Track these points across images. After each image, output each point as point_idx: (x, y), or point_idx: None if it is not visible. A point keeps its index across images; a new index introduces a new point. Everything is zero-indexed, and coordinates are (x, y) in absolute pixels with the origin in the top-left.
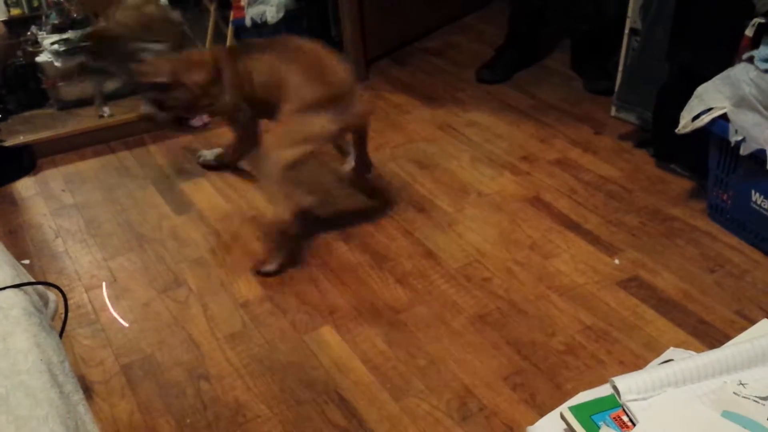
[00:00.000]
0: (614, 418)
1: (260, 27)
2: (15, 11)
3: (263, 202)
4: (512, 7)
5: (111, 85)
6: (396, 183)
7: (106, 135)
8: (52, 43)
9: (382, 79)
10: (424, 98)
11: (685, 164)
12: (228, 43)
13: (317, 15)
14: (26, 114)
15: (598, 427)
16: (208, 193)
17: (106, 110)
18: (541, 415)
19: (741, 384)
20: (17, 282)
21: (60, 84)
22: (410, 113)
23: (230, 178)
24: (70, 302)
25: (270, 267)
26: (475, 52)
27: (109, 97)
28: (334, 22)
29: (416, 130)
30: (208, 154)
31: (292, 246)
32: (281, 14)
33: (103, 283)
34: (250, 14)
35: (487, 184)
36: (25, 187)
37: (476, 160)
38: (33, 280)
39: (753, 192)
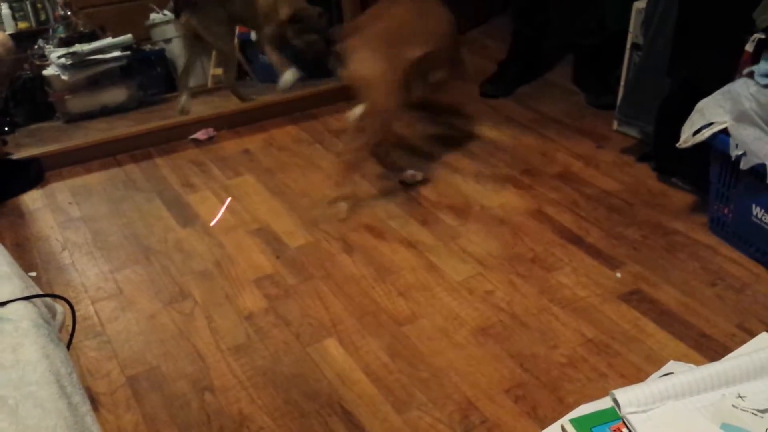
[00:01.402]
0: (614, 430)
1: None
2: (22, 24)
3: (268, 215)
4: (515, 22)
5: (117, 98)
6: (399, 196)
7: (112, 148)
8: (59, 57)
9: None
10: (428, 112)
11: (687, 178)
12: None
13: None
14: (33, 127)
15: None
16: (213, 206)
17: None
18: (543, 427)
19: (740, 397)
20: (26, 294)
21: (67, 97)
22: (414, 127)
23: (235, 191)
24: (76, 314)
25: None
26: (478, 67)
27: (115, 111)
28: None
29: (420, 145)
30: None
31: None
32: None
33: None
34: None
35: (489, 198)
36: (32, 199)
37: (479, 173)
38: (41, 292)
39: (754, 206)
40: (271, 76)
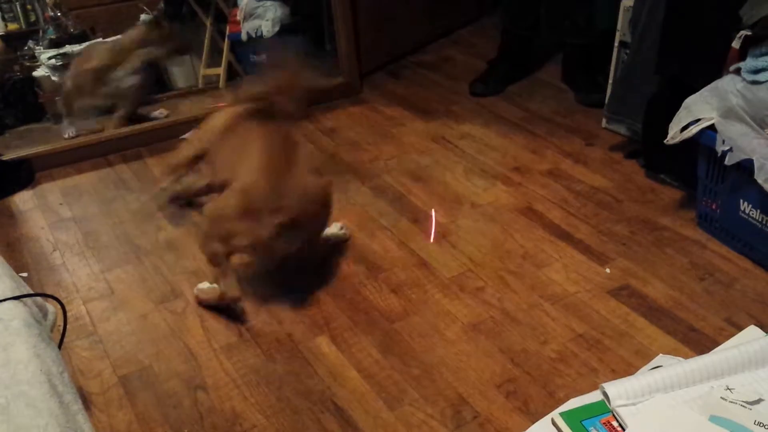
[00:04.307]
0: (604, 423)
1: (256, 41)
2: (12, 26)
3: None
4: (504, 21)
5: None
6: (390, 194)
7: (103, 148)
8: (50, 58)
9: (376, 92)
10: (418, 111)
11: (675, 174)
12: (224, 57)
13: (312, 29)
14: (23, 128)
15: None
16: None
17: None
18: (534, 422)
19: (728, 389)
20: (17, 294)
21: (57, 98)
22: (404, 126)
23: None
24: (68, 314)
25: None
26: (469, 66)
27: (105, 111)
28: (329, 36)
29: (410, 143)
30: None
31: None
32: (277, 28)
33: None
34: (246, 29)
35: (480, 195)
36: (23, 200)
37: (469, 171)
38: (32, 292)
39: (741, 201)
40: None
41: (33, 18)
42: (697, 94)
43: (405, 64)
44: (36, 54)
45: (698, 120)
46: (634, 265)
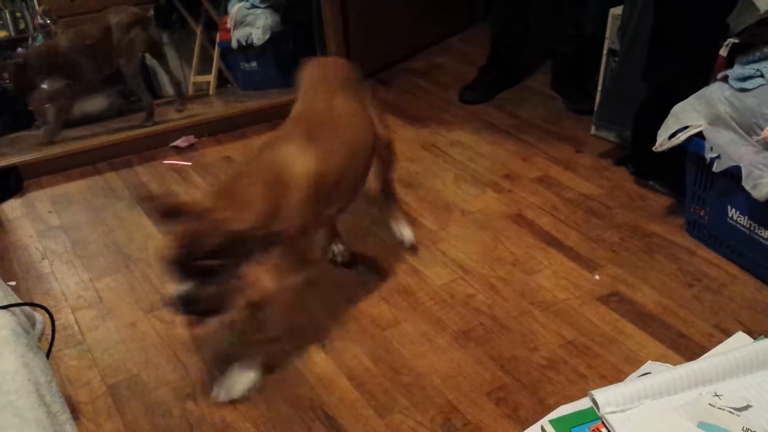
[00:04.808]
0: (594, 430)
1: (246, 49)
2: (1, 33)
3: None
4: (494, 28)
5: (97, 106)
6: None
7: (92, 156)
8: None
9: None
10: (409, 118)
11: (664, 181)
12: (214, 64)
13: (303, 37)
14: (12, 136)
15: None
16: None
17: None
18: (524, 429)
19: (716, 395)
20: (5, 303)
21: (47, 106)
22: (394, 133)
23: None
24: (56, 323)
25: None
26: (459, 73)
27: (95, 119)
28: (319, 43)
29: (401, 150)
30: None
31: None
32: (267, 36)
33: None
34: (237, 36)
35: (470, 202)
36: (11, 208)
37: (460, 178)
38: (20, 301)
39: (729, 208)
40: (253, 83)
41: (22, 25)
42: (685, 101)
43: (395, 72)
44: None
45: (686, 127)
46: (623, 271)
